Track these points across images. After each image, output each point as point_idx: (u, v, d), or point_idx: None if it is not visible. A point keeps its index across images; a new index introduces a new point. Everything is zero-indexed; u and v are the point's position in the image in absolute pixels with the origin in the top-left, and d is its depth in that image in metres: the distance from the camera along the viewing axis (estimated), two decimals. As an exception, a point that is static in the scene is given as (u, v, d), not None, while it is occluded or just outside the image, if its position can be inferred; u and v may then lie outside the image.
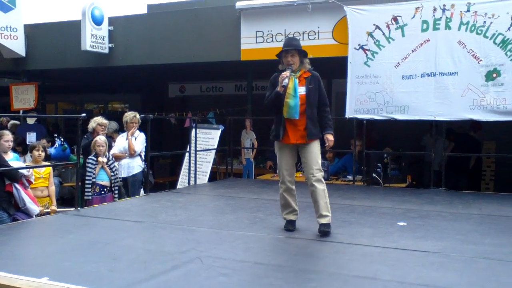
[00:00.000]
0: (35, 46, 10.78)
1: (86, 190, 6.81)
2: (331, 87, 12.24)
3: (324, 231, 4.51)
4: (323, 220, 4.55)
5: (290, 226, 4.76)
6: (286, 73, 4.59)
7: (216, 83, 13.56)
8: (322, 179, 4.63)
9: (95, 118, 7.70)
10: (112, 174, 6.97)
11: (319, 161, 4.67)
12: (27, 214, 5.61)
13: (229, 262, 3.73)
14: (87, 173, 6.87)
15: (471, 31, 7.22)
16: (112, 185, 6.97)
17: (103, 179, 6.91)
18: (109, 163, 6.98)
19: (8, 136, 6.10)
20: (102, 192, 6.88)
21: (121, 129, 8.05)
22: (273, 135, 4.79)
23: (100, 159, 6.87)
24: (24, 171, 5.70)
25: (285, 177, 4.74)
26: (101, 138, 7.01)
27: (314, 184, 4.58)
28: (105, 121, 7.67)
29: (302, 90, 4.63)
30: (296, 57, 4.68)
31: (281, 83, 4.54)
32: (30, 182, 5.94)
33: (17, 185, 5.52)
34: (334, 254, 4.07)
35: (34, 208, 5.68)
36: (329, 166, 8.41)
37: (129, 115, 7.59)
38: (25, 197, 5.58)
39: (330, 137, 4.69)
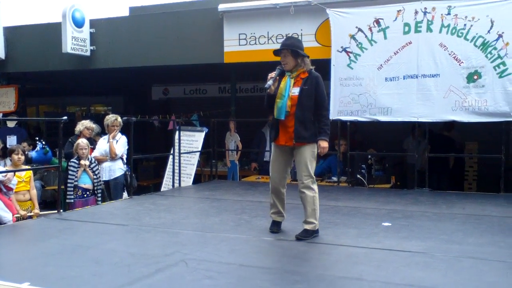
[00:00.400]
0: (15, 48, 10.62)
1: (68, 193, 6.74)
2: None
3: (299, 237, 4.45)
4: (306, 226, 4.51)
5: (274, 228, 4.73)
6: (272, 74, 4.56)
7: (200, 85, 13.51)
8: (312, 185, 4.50)
9: (83, 121, 7.67)
10: (95, 177, 6.90)
11: (310, 166, 4.50)
12: None
13: (214, 264, 3.70)
14: (69, 176, 6.80)
15: (452, 34, 7.31)
16: (95, 188, 6.90)
17: (86, 182, 6.84)
18: (92, 166, 6.91)
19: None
20: (85, 196, 6.81)
21: (103, 131, 7.97)
22: (270, 136, 4.77)
23: (82, 162, 6.80)
24: None
25: (273, 179, 4.71)
26: (83, 141, 6.95)
27: (302, 190, 4.52)
28: (93, 125, 7.65)
29: (295, 91, 4.51)
30: (289, 57, 4.54)
31: (266, 85, 4.51)
32: (8, 188, 5.82)
33: None
34: (319, 256, 4.08)
35: (6, 215, 5.53)
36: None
37: (110, 118, 7.52)
38: None
39: (322, 144, 4.52)
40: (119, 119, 7.50)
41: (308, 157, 4.51)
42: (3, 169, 6.34)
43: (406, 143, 9.67)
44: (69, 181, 6.78)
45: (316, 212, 4.51)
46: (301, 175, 4.53)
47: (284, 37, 8.34)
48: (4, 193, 5.75)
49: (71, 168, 6.84)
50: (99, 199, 6.94)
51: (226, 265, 3.72)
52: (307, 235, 4.46)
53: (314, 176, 4.55)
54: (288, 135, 4.56)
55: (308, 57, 4.65)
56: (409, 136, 9.48)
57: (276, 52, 4.66)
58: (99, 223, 5.23)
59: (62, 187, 6.49)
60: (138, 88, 14.51)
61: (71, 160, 6.94)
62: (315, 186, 4.54)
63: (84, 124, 7.58)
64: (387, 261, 3.82)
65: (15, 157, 6.24)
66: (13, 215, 5.73)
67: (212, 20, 8.93)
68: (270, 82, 4.52)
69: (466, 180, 9.71)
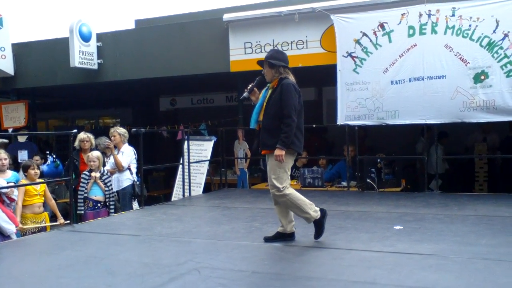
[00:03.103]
0: (24, 64, 10.75)
1: (78, 205, 6.80)
2: (322, 95, 12.32)
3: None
4: (307, 221, 4.60)
5: (267, 236, 4.72)
6: (249, 86, 4.72)
7: (207, 95, 13.57)
8: (277, 193, 4.44)
9: (78, 135, 7.74)
10: (107, 189, 6.95)
11: (273, 177, 4.45)
12: (1, 233, 5.51)
13: (226, 272, 3.72)
14: (80, 188, 6.86)
15: (457, 35, 7.30)
16: (107, 200, 6.95)
17: (97, 194, 6.90)
18: (104, 178, 6.96)
19: (1, 154, 6.10)
20: (96, 207, 6.86)
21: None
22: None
23: (93, 174, 6.86)
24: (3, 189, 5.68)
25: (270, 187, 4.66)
26: (93, 154, 7.02)
27: (276, 200, 4.55)
28: (84, 136, 7.72)
29: (267, 100, 4.56)
30: (266, 68, 4.62)
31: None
32: (11, 199, 5.90)
33: None
34: (332, 261, 4.07)
35: (9, 227, 5.58)
36: (323, 173, 8.43)
37: (110, 131, 7.70)
38: (1, 214, 5.52)
39: (276, 152, 4.37)
40: (120, 130, 7.67)
41: (273, 165, 4.46)
42: (8, 183, 6.38)
43: (419, 146, 9.60)
44: (79, 193, 6.85)
45: (301, 208, 4.48)
46: (268, 182, 4.54)
47: (289, 45, 8.47)
48: (6, 205, 5.83)
49: (82, 180, 6.90)
50: (112, 210, 6.99)
51: (239, 272, 3.73)
52: (319, 232, 4.56)
53: (280, 187, 4.43)
54: (261, 143, 4.58)
55: (286, 66, 4.62)
56: (421, 138, 9.43)
57: (259, 63, 4.76)
58: (112, 234, 5.27)
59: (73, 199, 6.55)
60: (146, 100, 14.61)
61: (83, 172, 7.01)
62: (286, 191, 4.44)
63: (78, 138, 7.69)
64: (400, 265, 3.81)
65: (31, 171, 6.42)
66: (16, 227, 5.79)
67: (217, 30, 9.00)
68: (245, 94, 4.73)
69: (477, 181, 9.64)
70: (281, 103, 4.43)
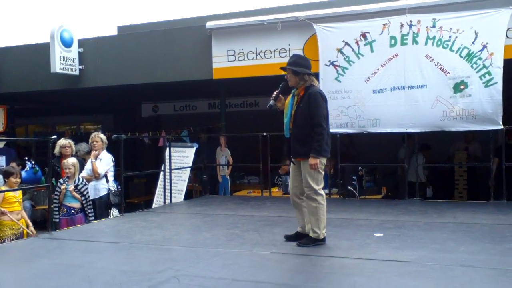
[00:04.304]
0: (3, 69, 10.59)
1: (54, 212, 6.71)
2: (304, 103, 12.36)
3: (299, 244, 4.65)
4: (311, 234, 4.69)
5: (288, 234, 4.91)
6: (275, 92, 4.80)
7: (190, 102, 13.54)
8: (314, 196, 4.61)
9: (58, 141, 7.63)
10: (83, 197, 6.87)
11: (309, 178, 4.60)
12: None
13: (206, 280, 3.69)
14: (55, 196, 6.77)
15: (437, 45, 7.41)
16: (85, 206, 6.88)
17: (71, 201, 6.82)
18: (79, 187, 6.87)
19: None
20: (70, 213, 6.79)
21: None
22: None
23: (63, 187, 6.79)
24: None
25: (290, 190, 4.94)
26: (68, 161, 6.93)
27: (306, 200, 4.70)
28: (65, 142, 7.63)
29: (295, 109, 4.70)
30: (290, 74, 4.72)
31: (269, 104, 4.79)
32: None
33: None
34: (312, 268, 4.07)
35: None
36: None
37: (92, 136, 7.62)
38: None
39: (310, 160, 4.56)
40: (100, 136, 7.58)
41: (308, 170, 4.61)
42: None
43: (401, 153, 9.68)
44: (54, 200, 6.76)
45: (319, 222, 4.63)
46: (304, 188, 4.69)
47: (272, 53, 8.50)
48: None
49: (57, 188, 6.84)
50: (91, 217, 6.91)
51: (219, 280, 3.70)
52: (308, 242, 4.63)
53: (316, 188, 4.62)
54: (292, 151, 4.76)
55: (310, 73, 4.75)
56: (404, 145, 9.51)
57: (282, 69, 4.87)
58: (90, 241, 5.19)
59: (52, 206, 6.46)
60: (128, 106, 14.51)
61: (59, 180, 6.95)
62: (319, 198, 4.64)
63: (59, 144, 7.59)
64: (380, 272, 3.82)
65: (13, 179, 6.35)
66: None
67: (200, 37, 8.99)
68: (271, 103, 4.80)
69: (457, 189, 9.76)
70: (310, 113, 4.59)
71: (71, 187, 6.81)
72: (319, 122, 4.56)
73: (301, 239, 4.73)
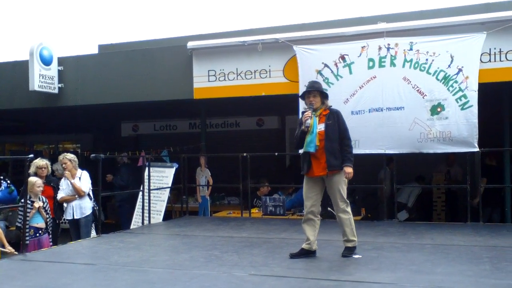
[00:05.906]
0: (-19, 86, 10.44)
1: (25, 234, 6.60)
2: (285, 123, 12.44)
3: (346, 255, 5.04)
4: (348, 244, 5.11)
5: (293, 252, 5.11)
6: (308, 113, 5.13)
7: (170, 121, 13.49)
8: (346, 209, 5.12)
9: (34, 161, 7.53)
10: (48, 216, 6.86)
11: (342, 191, 5.10)
12: None
13: (184, 302, 3.64)
14: (20, 216, 6.67)
15: (415, 68, 7.55)
16: (48, 226, 6.85)
17: (38, 221, 6.74)
18: (44, 205, 6.86)
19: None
20: (37, 235, 6.71)
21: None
22: (302, 170, 5.23)
23: (35, 204, 6.69)
24: None
25: (308, 208, 5.20)
26: (38, 181, 6.92)
27: (339, 214, 5.14)
28: (42, 162, 7.55)
29: (321, 127, 5.11)
30: (318, 97, 5.19)
31: (305, 124, 5.08)
32: None
33: None
34: (290, 290, 4.05)
35: None
36: (284, 201, 8.44)
37: (59, 158, 7.57)
38: None
39: (347, 169, 5.06)
40: (69, 156, 7.51)
41: (340, 183, 5.11)
42: None
43: (381, 174, 9.74)
44: (19, 220, 6.66)
45: (354, 231, 5.12)
46: (336, 201, 5.13)
47: (253, 73, 8.55)
48: None
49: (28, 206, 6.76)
50: (50, 237, 6.90)
51: (196, 302, 3.66)
52: (351, 252, 5.08)
53: (347, 201, 5.16)
54: (321, 166, 5.10)
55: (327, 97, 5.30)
56: (385, 167, 9.59)
57: (307, 93, 5.25)
58: (66, 263, 5.10)
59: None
60: (108, 125, 14.39)
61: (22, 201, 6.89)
62: (349, 209, 5.15)
63: (35, 164, 7.50)
64: (358, 293, 3.83)
65: None
66: None
67: (181, 57, 9.00)
68: (309, 121, 5.10)
69: (435, 210, 9.86)
70: (340, 128, 5.16)
71: (41, 204, 6.75)
72: (349, 136, 5.24)
73: (309, 255, 5.03)
